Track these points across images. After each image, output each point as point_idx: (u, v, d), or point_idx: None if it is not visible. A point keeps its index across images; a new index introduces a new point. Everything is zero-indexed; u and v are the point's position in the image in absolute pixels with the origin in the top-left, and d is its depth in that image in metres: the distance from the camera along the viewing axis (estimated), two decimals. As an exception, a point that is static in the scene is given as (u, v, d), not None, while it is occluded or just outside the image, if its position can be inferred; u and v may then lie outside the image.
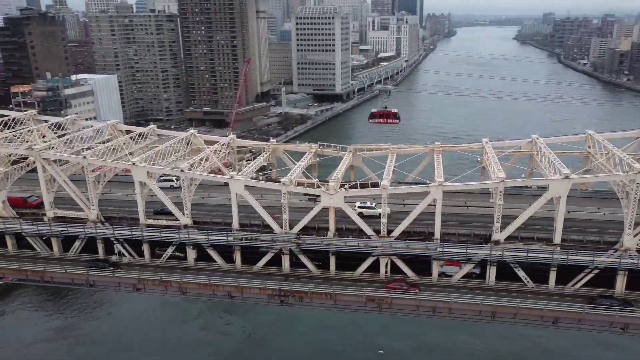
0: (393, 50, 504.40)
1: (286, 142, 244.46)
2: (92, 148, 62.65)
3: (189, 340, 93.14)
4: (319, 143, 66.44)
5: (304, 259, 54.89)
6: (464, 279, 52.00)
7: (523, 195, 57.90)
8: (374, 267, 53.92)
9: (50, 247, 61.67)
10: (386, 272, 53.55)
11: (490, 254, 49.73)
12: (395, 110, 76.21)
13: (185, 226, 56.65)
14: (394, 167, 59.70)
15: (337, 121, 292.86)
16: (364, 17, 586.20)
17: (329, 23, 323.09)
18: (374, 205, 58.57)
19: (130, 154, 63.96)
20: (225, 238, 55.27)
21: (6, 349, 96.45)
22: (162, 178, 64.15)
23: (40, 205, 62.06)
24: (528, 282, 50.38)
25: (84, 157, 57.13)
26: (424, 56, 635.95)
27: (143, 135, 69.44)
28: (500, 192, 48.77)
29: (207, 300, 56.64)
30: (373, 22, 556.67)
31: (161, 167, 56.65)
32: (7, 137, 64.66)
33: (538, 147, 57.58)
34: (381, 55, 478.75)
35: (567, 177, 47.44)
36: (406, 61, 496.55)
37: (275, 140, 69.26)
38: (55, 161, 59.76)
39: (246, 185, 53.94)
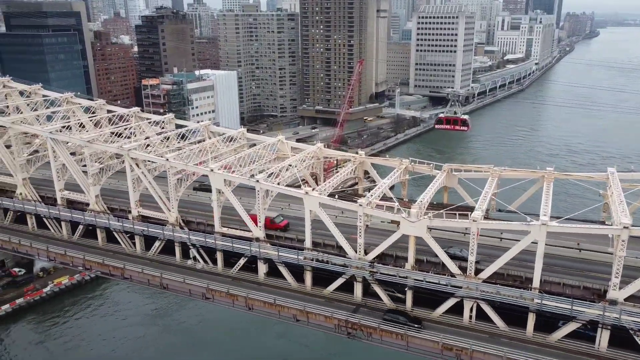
0: (522, 52, 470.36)
1: (395, 145, 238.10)
2: (182, 149, 62.90)
3: (266, 345, 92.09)
4: (410, 159, 60.44)
5: (377, 290, 49.49)
6: (567, 338, 43.04)
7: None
8: (457, 308, 46.92)
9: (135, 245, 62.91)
10: (470, 317, 46.26)
11: (602, 315, 40.37)
12: (465, 117, 68.28)
13: (257, 239, 54.11)
14: (494, 193, 52.11)
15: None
16: (493, 17, 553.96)
17: (452, 22, 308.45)
18: None
19: (216, 157, 63.41)
20: (296, 257, 51.72)
21: (105, 325, 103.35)
22: None
23: (287, 226, 57.50)
24: (652, 356, 40.25)
25: (167, 159, 56.91)
26: (558, 59, 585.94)
27: (232, 139, 68.54)
28: (623, 241, 39.21)
29: (273, 319, 53.35)
30: (503, 21, 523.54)
31: (237, 175, 54.53)
32: (110, 133, 67.49)
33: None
34: (508, 57, 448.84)
35: None
36: (536, 64, 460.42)
37: (363, 151, 64.28)
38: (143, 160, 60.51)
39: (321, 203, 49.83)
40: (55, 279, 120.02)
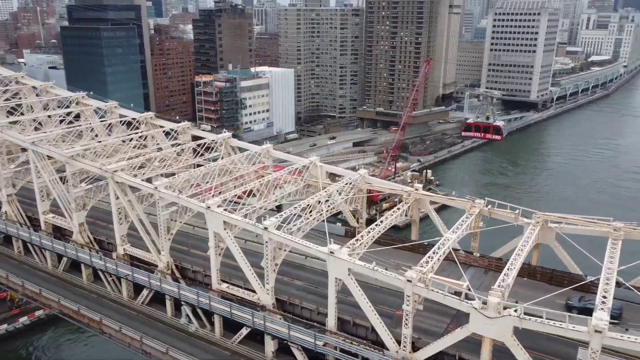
0: (609, 54, 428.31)
1: (461, 153, 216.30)
2: (187, 170, 49.49)
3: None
4: (486, 199, 43.35)
5: (429, 407, 33.07)
6: None
7: None
8: None
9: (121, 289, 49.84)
10: None
11: None
12: (499, 124, 51.78)
13: (263, 307, 39.05)
14: (617, 265, 34.11)
15: (527, 134, 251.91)
16: (577, 15, 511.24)
17: (533, 20, 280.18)
18: None
19: (229, 182, 49.36)
20: (312, 341, 36.21)
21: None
22: None
23: None
24: None
25: (155, 187, 43.04)
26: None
27: (255, 158, 54.06)
28: None
29: None
30: (588, 19, 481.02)
31: (241, 218, 39.56)
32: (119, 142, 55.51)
33: None
34: (593, 58, 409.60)
35: None
36: (625, 67, 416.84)
37: (418, 186, 47.50)
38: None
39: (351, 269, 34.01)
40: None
